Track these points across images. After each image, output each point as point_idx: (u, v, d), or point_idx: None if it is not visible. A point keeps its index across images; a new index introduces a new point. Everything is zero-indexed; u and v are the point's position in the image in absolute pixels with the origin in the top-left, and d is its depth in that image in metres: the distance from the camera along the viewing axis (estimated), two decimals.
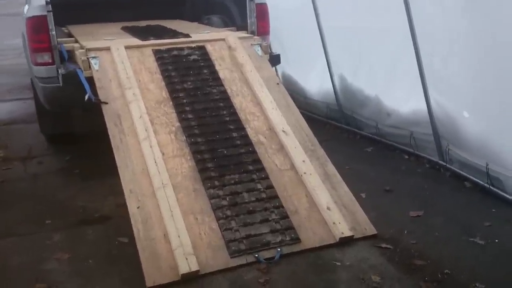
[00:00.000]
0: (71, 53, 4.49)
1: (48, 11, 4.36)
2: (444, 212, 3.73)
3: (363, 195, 4.00)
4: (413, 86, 4.29)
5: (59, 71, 4.40)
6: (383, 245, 3.28)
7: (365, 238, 3.35)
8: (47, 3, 4.33)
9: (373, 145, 5.18)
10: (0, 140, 6.15)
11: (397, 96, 4.66)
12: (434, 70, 4.07)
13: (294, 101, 4.25)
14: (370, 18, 4.67)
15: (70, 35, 5.22)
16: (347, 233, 3.32)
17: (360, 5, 4.80)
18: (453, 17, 3.77)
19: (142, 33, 4.98)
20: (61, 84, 4.38)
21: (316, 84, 5.91)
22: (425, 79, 4.15)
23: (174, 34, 4.88)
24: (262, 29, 5.28)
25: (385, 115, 4.85)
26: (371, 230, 3.42)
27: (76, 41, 4.71)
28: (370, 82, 5.02)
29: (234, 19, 5.64)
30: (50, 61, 4.52)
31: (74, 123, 5.35)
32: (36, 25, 4.50)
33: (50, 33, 4.43)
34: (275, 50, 6.47)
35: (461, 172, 4.12)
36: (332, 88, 5.53)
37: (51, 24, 4.41)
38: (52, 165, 5.21)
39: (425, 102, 4.23)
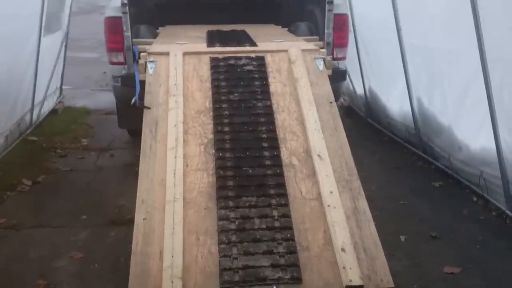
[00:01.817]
0: None
1: (123, 13, 4.49)
2: (486, 274, 3.17)
3: (403, 238, 3.58)
4: (483, 119, 3.69)
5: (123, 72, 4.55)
6: None
7: None
8: (123, 4, 4.46)
9: (444, 180, 4.57)
10: (92, 129, 6.59)
11: (468, 129, 4.05)
12: (505, 104, 3.45)
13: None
14: (446, 38, 4.10)
15: None
16: (357, 281, 2.93)
17: (437, 22, 4.25)
18: None
19: (213, 39, 4.94)
20: (119, 84, 4.52)
21: (397, 103, 5.39)
22: (494, 114, 3.53)
23: (241, 41, 4.77)
24: (339, 41, 4.96)
25: (457, 148, 4.25)
26: (388, 282, 2.98)
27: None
28: (443, 109, 4.44)
29: (319, 27, 5.38)
30: (122, 61, 4.70)
31: None
32: (112, 26, 4.69)
33: (124, 34, 4.58)
34: (363, 62, 6.12)
35: None
36: (410, 110, 4.99)
37: (126, 26, 4.54)
38: (120, 159, 5.45)
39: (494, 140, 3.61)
